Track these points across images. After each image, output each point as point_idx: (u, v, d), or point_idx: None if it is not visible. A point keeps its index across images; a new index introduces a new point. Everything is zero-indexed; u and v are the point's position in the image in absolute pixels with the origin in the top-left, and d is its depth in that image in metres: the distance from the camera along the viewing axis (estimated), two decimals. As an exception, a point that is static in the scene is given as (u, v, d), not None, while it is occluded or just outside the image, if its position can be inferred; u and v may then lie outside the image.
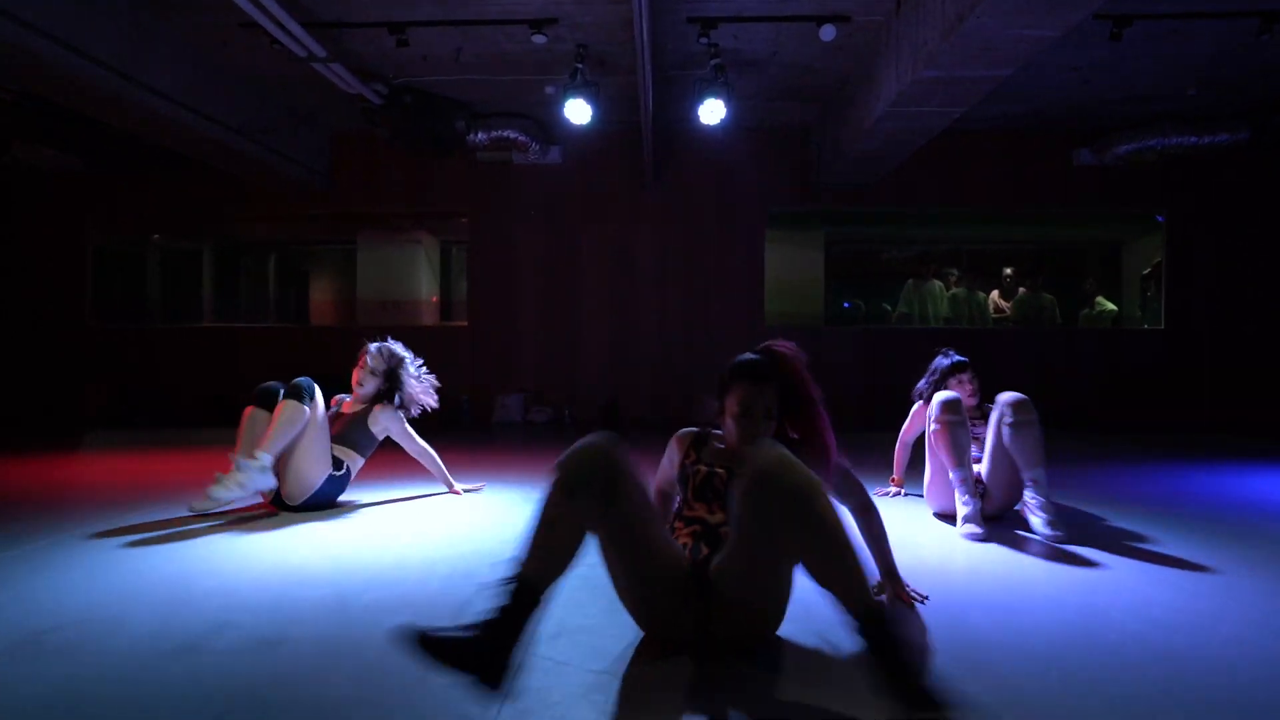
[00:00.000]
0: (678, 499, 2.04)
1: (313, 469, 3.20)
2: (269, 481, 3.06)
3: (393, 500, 3.64)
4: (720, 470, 1.94)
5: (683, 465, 2.04)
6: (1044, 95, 6.60)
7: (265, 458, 3.01)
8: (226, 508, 3.17)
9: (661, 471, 2.19)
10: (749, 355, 2.04)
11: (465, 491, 3.76)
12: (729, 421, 1.97)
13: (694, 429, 2.13)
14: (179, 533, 2.90)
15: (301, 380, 3.19)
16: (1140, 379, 7.61)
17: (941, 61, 4.21)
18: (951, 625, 1.99)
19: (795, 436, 2.04)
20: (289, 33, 4.75)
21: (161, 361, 7.93)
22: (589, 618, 1.99)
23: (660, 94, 6.53)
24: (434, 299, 10.41)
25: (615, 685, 1.60)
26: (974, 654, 1.79)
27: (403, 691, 1.56)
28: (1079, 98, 6.64)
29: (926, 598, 2.21)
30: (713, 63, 5.42)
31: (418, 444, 3.64)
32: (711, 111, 5.61)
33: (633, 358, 7.79)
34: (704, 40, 5.17)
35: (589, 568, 1.84)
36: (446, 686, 1.50)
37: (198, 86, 5.56)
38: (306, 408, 3.13)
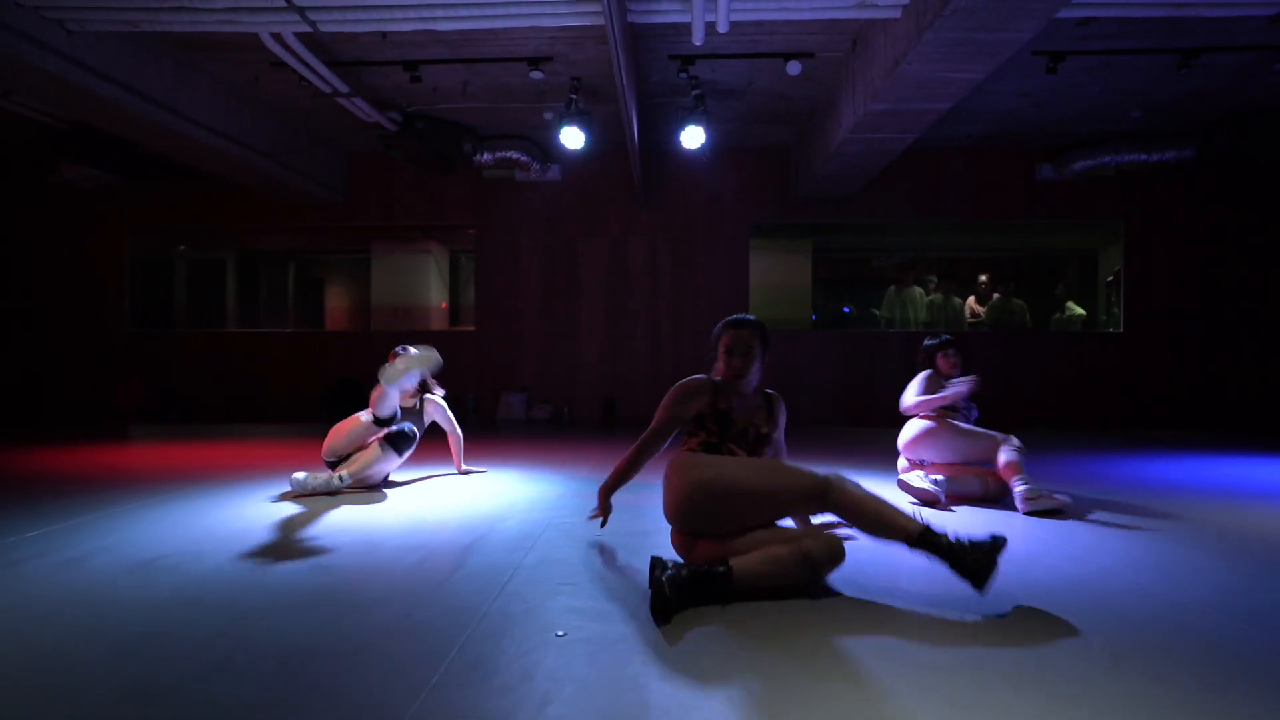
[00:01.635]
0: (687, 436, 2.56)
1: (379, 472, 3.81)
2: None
3: (415, 480, 4.26)
4: (742, 418, 2.53)
5: (712, 407, 2.54)
6: (1002, 117, 7.19)
7: (345, 480, 3.60)
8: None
9: (664, 414, 2.58)
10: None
11: (467, 472, 4.35)
12: (720, 362, 2.58)
13: (701, 377, 2.61)
14: (254, 503, 3.52)
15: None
16: (1101, 378, 8.17)
17: (885, 96, 4.81)
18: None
19: (771, 392, 2.69)
20: (315, 71, 5.40)
21: (189, 363, 8.59)
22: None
23: (649, 119, 7.16)
24: (443, 305, 11.03)
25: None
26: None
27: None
28: (1035, 119, 7.23)
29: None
30: (694, 93, 6.04)
31: (456, 427, 4.24)
32: (692, 137, 6.22)
33: (627, 359, 8.41)
34: (684, 75, 5.79)
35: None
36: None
37: (231, 116, 6.22)
38: (395, 456, 3.69)
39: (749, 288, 8.51)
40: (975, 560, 2.01)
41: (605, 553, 2.63)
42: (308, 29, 4.49)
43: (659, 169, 8.28)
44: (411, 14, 4.28)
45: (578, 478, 4.30)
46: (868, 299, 11.30)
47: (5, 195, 8.67)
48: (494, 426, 7.64)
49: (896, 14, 4.34)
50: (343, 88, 5.75)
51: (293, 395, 8.47)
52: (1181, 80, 6.10)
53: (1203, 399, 8.02)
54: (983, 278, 9.84)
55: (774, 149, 8.23)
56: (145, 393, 8.30)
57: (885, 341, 8.57)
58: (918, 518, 2.11)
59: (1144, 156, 7.59)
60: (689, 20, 4.30)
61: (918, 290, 9.64)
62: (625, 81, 4.63)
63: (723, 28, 4.16)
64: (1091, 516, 3.28)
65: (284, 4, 4.16)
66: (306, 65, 5.28)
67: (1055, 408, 8.05)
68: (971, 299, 9.89)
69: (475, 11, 4.26)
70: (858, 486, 2.19)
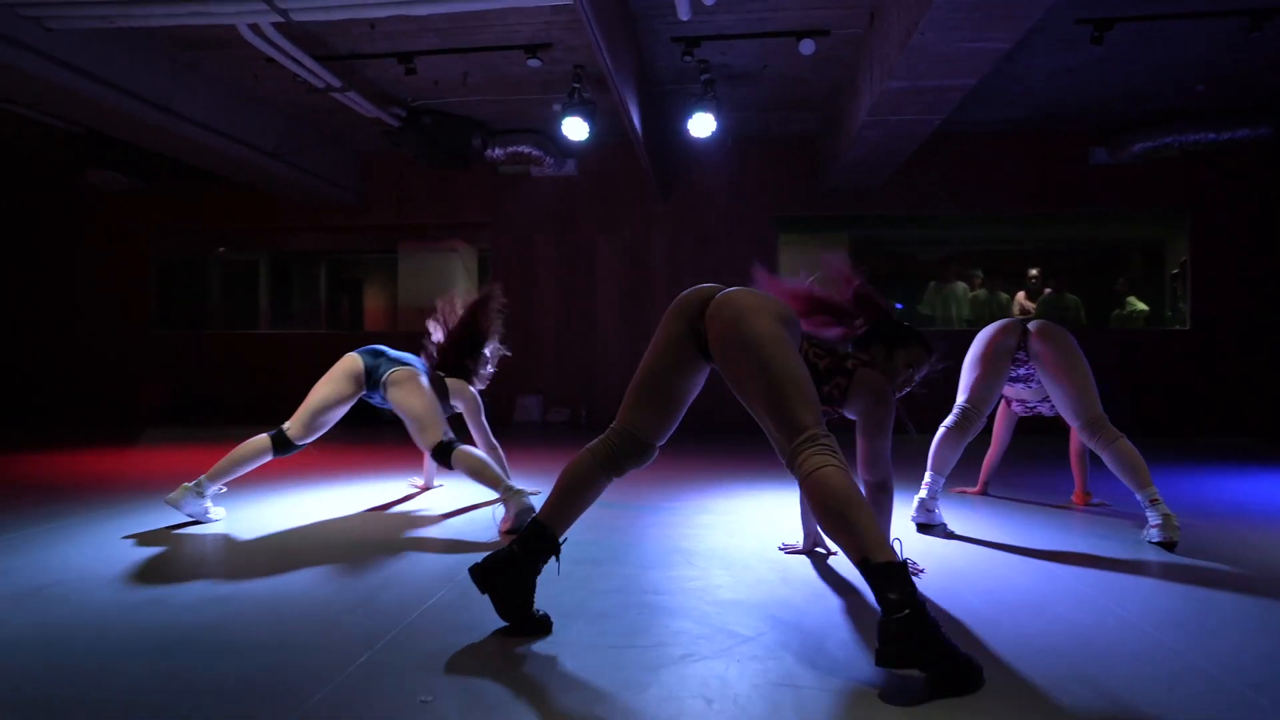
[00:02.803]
0: None
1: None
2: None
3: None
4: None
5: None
6: (1047, 97, 6.60)
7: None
8: None
9: None
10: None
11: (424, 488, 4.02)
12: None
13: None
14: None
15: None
16: (1164, 381, 7.47)
17: (902, 73, 4.37)
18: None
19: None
20: (305, 67, 5.23)
21: (215, 364, 8.61)
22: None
23: (660, 108, 6.81)
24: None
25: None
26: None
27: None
28: (1084, 98, 6.61)
29: (922, 571, 2.42)
30: (703, 78, 5.68)
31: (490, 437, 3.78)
32: (701, 125, 5.85)
33: (646, 360, 8.06)
34: (688, 59, 5.43)
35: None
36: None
37: (232, 115, 6.12)
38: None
39: (775, 285, 8.05)
40: (899, 635, 1.52)
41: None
42: (280, 19, 4.30)
43: (676, 161, 7.91)
44: (384, -2, 4.05)
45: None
46: (912, 295, 10.71)
47: (34, 200, 8.83)
48: (509, 430, 7.41)
49: (908, -21, 3.90)
50: (335, 82, 5.58)
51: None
52: (1252, 47, 5.44)
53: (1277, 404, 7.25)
54: (1033, 272, 9.17)
55: (797, 138, 7.77)
56: (169, 394, 8.34)
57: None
58: (895, 547, 1.71)
59: (1211, 136, 6.89)
60: (674, -6, 3.95)
61: (961, 286, 9.04)
62: (611, 64, 4.30)
63: (708, 1, 3.79)
64: (1121, 545, 2.81)
65: (248, -8, 3.97)
66: (294, 60, 5.11)
67: (1111, 412, 7.36)
68: (1021, 294, 9.23)
69: (449, -7, 4.00)
70: (835, 466, 1.71)
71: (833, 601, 2.18)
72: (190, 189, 8.50)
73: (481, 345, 3.85)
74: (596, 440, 2.06)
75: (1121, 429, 3.05)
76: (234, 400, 8.46)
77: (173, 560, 2.63)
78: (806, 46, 5.20)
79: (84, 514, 3.35)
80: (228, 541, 2.89)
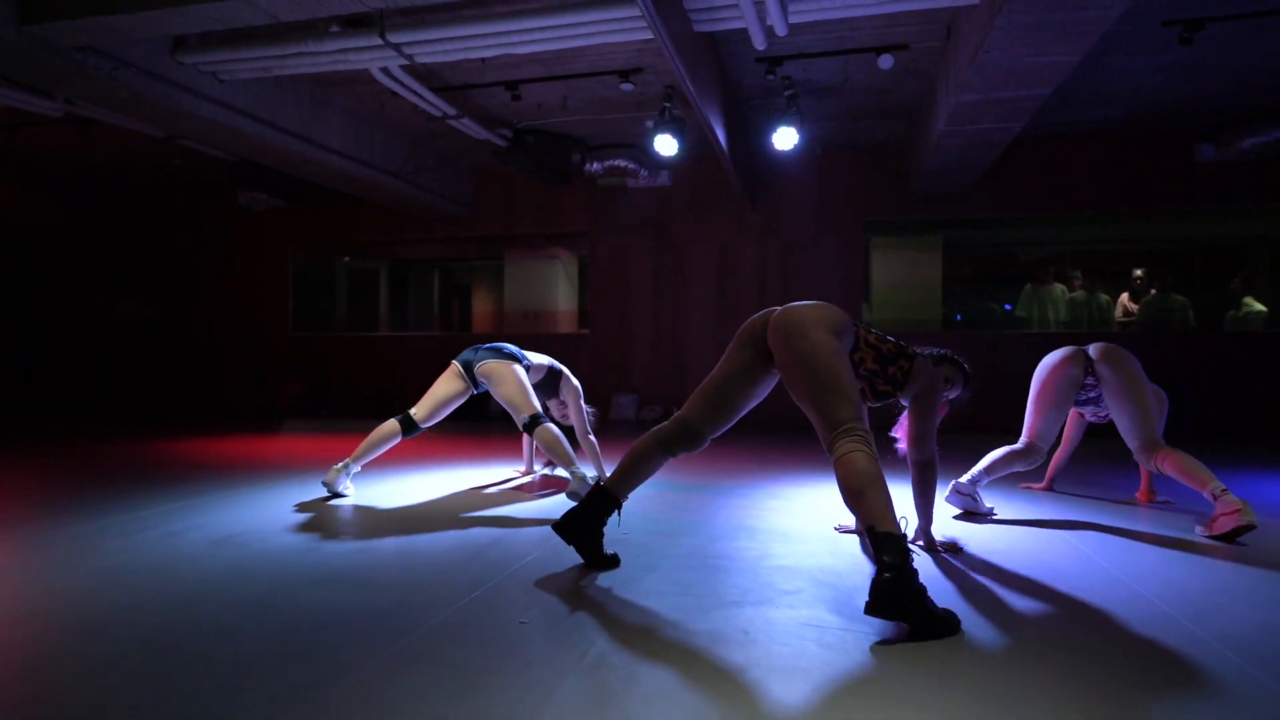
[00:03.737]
0: None
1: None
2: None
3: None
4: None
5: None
6: (1144, 95, 6.49)
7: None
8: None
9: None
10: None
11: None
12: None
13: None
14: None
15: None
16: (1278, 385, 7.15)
17: (973, 86, 4.55)
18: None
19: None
20: (424, 99, 5.89)
21: (341, 363, 9.56)
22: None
23: (748, 122, 7.14)
24: (589, 307, 11.55)
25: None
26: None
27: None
28: (1184, 95, 6.47)
29: (960, 549, 2.74)
30: (786, 94, 5.98)
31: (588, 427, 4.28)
32: (784, 139, 6.16)
33: (734, 362, 8.39)
34: (772, 77, 5.75)
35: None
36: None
37: (361, 142, 6.90)
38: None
39: (864, 288, 8.24)
40: (887, 591, 1.85)
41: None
42: (406, 62, 4.93)
43: (765, 171, 8.21)
44: (491, 42, 4.59)
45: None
46: (1010, 297, 10.54)
47: (194, 219, 10.07)
48: (606, 426, 7.91)
49: (975, 0, 4.10)
50: (451, 111, 6.22)
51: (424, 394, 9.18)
52: (1363, 39, 5.25)
53: None
54: (1138, 272, 8.91)
55: (884, 144, 7.91)
56: (302, 390, 9.34)
57: (1019, 342, 7.97)
58: (899, 523, 2.04)
59: (1329, 128, 6.58)
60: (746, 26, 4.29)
61: (1058, 288, 8.90)
62: (693, 89, 4.68)
63: (781, 31, 4.12)
64: (1174, 531, 2.96)
65: (380, 42, 4.60)
66: (414, 93, 5.77)
67: (1224, 418, 7.12)
68: (1125, 296, 8.99)
69: (548, 35, 4.50)
70: (863, 451, 2.09)
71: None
72: (322, 206, 9.48)
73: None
74: (662, 426, 2.51)
75: (1229, 436, 3.19)
76: (358, 396, 9.37)
77: (323, 521, 3.22)
78: (885, 62, 5.42)
79: (249, 486, 4.05)
80: (364, 510, 3.47)
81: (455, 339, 10.26)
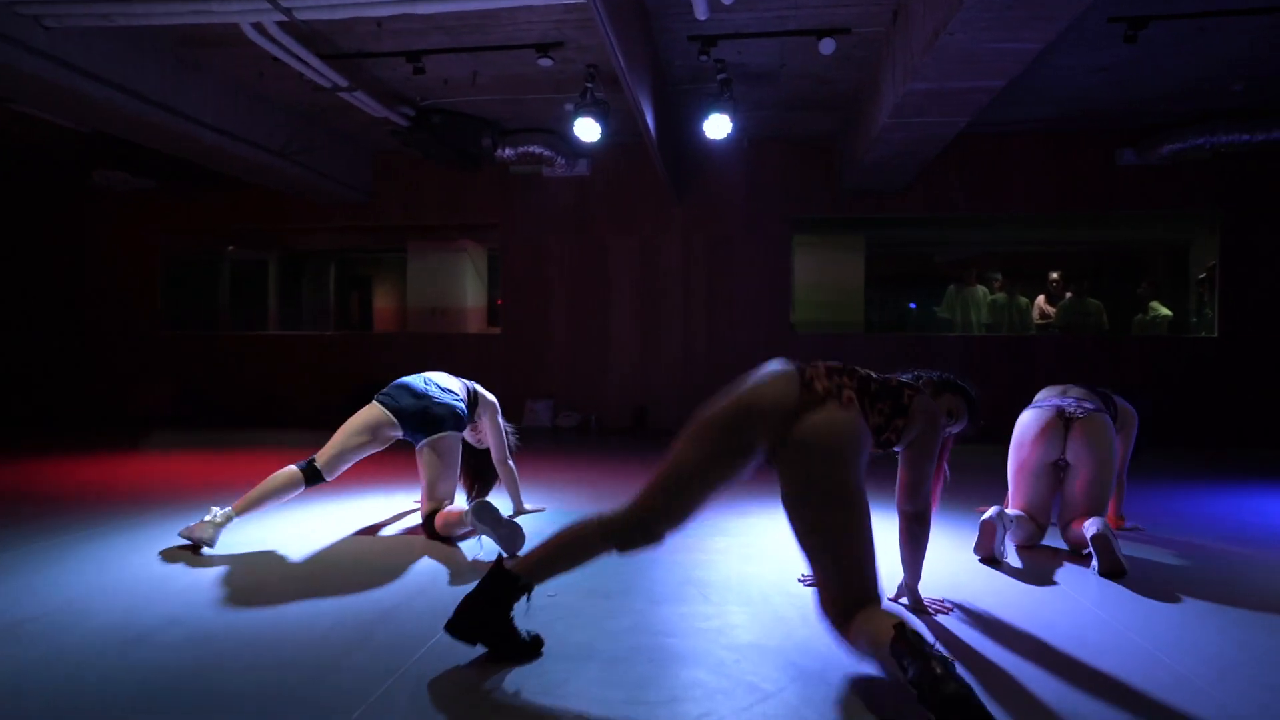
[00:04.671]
0: None
1: None
2: None
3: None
4: None
5: None
6: (1078, 97, 6.38)
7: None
8: None
9: None
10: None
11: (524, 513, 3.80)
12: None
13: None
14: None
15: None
16: (1190, 390, 7.24)
17: (927, 74, 4.19)
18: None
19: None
20: (310, 65, 5.10)
21: (221, 366, 8.52)
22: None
23: (676, 108, 6.65)
24: (499, 302, 10.81)
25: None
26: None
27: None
28: (1115, 98, 6.40)
29: (951, 609, 2.30)
30: (719, 78, 5.51)
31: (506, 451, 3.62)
32: (717, 126, 5.69)
33: (659, 366, 7.92)
34: (705, 57, 5.26)
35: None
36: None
37: (238, 115, 6.01)
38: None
39: (791, 288, 7.90)
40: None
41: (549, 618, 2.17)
42: (283, 17, 4.17)
43: (692, 162, 7.75)
44: (388, -5, 3.91)
45: (587, 502, 3.86)
46: (930, 298, 10.51)
47: (42, 200, 8.78)
48: (519, 435, 7.27)
49: (936, -24, 3.72)
50: (342, 82, 5.45)
51: (317, 401, 8.30)
52: (1292, 46, 5.22)
53: (1313, 414, 7.02)
54: (1054, 275, 8.96)
55: (816, 138, 7.59)
56: (174, 396, 8.27)
57: (943, 345, 7.82)
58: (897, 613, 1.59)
59: (1246, 137, 6.64)
60: (692, -8, 3.79)
61: (980, 289, 8.85)
62: (625, 65, 4.15)
63: (728, 0, 3.64)
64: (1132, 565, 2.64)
65: (251, -11, 3.84)
66: (298, 59, 4.99)
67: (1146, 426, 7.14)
68: (1041, 298, 9.02)
69: (456, -9, 3.86)
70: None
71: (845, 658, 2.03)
72: (199, 188, 8.41)
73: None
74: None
75: (1142, 439, 3.31)
76: (242, 403, 8.37)
77: (164, 590, 2.50)
78: (826, 46, 5.02)
79: (79, 531, 3.24)
80: (222, 568, 2.76)
81: (354, 339, 9.37)
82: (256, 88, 6.15)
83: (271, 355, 8.54)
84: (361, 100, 5.84)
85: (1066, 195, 7.48)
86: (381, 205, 8.35)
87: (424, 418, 3.17)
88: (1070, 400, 3.06)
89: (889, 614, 1.68)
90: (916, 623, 1.71)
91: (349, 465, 3.18)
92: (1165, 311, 8.84)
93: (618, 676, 1.84)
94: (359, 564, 2.82)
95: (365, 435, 3.15)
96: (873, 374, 2.10)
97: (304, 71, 5.19)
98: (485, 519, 2.84)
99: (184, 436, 6.89)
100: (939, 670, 1.44)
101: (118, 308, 8.73)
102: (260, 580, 2.60)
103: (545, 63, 5.41)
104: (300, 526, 3.39)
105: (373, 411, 3.18)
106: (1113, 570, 2.63)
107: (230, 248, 10.94)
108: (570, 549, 1.96)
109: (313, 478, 3.06)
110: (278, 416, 8.26)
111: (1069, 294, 8.61)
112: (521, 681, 1.80)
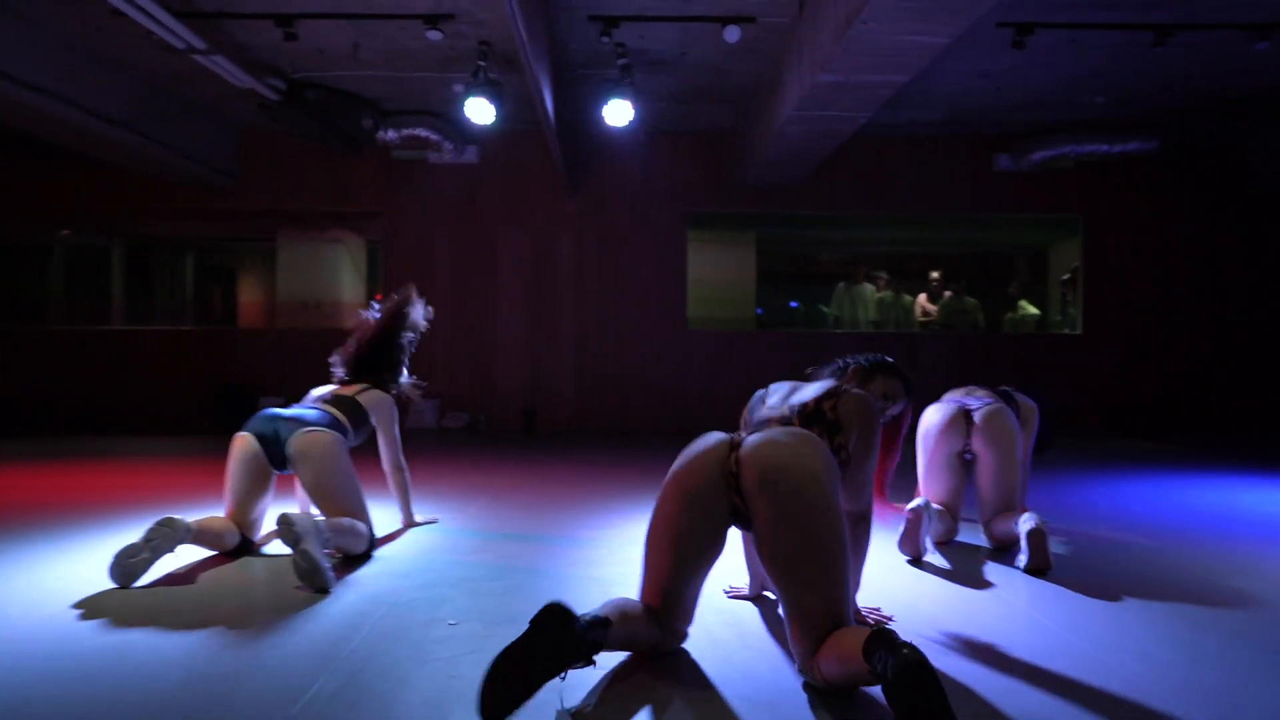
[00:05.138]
0: None
1: None
2: None
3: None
4: None
5: None
6: (960, 102, 6.61)
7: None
8: None
9: None
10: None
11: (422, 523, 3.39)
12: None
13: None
14: None
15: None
16: (1057, 382, 7.68)
17: (836, 66, 4.14)
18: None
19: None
20: (159, 21, 4.47)
21: (53, 365, 7.50)
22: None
23: (572, 94, 6.38)
24: (378, 297, 10.12)
25: None
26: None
27: None
28: (994, 105, 6.67)
29: (890, 619, 2.14)
30: (620, 62, 5.29)
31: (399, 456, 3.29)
32: (618, 112, 5.48)
33: (549, 362, 7.63)
34: (606, 39, 5.03)
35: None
36: None
37: (72, 76, 5.24)
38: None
39: (686, 284, 7.80)
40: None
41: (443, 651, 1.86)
42: (125, -40, 3.60)
43: (587, 153, 7.50)
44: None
45: (496, 534, 3.53)
46: (817, 296, 10.75)
47: None
48: (402, 437, 6.78)
49: (848, -37, 3.65)
50: (198, 43, 4.82)
51: (170, 403, 7.46)
52: (1152, 62, 5.57)
53: (1165, 406, 7.61)
54: (934, 275, 9.34)
55: (712, 132, 7.52)
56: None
57: (835, 342, 7.95)
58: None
59: (1105, 148, 7.12)
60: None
61: (868, 287, 9.11)
62: (527, 40, 3.85)
63: (638, -32, 3.42)
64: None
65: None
66: (146, 13, 4.35)
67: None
68: (923, 297, 9.39)
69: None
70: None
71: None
72: (28, 163, 7.35)
73: (395, 349, 3.33)
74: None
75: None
76: (81, 406, 7.39)
77: (-44, 640, 2.00)
78: (731, 34, 4.91)
79: None
80: (56, 609, 2.27)
81: (218, 334, 8.52)
82: (94, 46, 5.37)
83: (117, 352, 7.60)
84: (223, 67, 5.21)
85: (946, 198, 7.77)
86: (248, 189, 7.59)
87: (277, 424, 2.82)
88: (974, 399, 3.09)
89: (861, 628, 1.51)
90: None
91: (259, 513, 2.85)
92: (1033, 310, 9.43)
93: (547, 717, 1.57)
94: (219, 596, 2.39)
95: (233, 481, 2.80)
96: (796, 407, 1.97)
97: (153, 29, 4.54)
98: (285, 535, 2.46)
99: (11, 446, 5.97)
100: (908, 653, 1.34)
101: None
102: (87, 623, 2.14)
103: (434, 35, 5.01)
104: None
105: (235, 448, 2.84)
106: (1040, 567, 2.60)
107: (65, 231, 9.72)
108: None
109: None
110: (123, 421, 7.35)
111: (948, 293, 8.99)
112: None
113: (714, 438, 1.86)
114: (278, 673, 1.81)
